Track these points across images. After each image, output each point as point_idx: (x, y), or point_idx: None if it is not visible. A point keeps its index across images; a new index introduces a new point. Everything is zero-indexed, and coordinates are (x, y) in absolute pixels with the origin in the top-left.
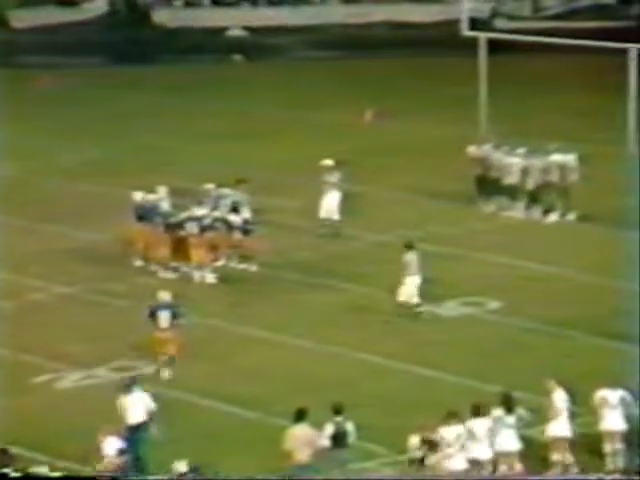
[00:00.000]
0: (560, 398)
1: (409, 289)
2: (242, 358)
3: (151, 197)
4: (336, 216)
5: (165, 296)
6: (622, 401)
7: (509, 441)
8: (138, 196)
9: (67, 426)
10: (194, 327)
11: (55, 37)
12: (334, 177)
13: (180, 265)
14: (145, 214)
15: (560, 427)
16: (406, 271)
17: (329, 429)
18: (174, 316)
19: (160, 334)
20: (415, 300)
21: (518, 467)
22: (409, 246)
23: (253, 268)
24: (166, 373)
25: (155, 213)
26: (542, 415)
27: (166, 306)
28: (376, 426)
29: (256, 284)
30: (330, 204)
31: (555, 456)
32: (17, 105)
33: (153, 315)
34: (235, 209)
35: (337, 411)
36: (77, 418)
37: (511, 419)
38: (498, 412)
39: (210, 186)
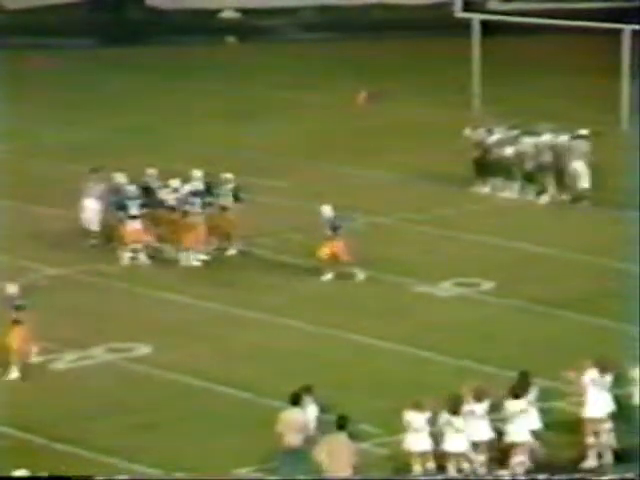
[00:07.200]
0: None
1: None
2: (235, 340)
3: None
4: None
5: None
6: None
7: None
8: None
9: (62, 407)
10: (187, 309)
11: (46, 18)
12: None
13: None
14: (124, 200)
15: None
16: None
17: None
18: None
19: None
20: None
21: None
22: None
23: (233, 251)
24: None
25: (137, 197)
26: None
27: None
28: (370, 407)
29: (248, 266)
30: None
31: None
32: (7, 86)
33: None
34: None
35: (307, 390)
36: (72, 399)
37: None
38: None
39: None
